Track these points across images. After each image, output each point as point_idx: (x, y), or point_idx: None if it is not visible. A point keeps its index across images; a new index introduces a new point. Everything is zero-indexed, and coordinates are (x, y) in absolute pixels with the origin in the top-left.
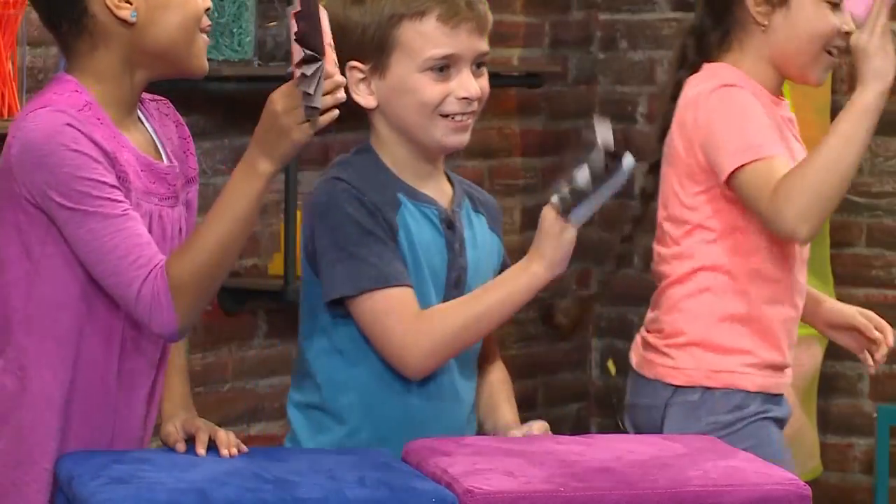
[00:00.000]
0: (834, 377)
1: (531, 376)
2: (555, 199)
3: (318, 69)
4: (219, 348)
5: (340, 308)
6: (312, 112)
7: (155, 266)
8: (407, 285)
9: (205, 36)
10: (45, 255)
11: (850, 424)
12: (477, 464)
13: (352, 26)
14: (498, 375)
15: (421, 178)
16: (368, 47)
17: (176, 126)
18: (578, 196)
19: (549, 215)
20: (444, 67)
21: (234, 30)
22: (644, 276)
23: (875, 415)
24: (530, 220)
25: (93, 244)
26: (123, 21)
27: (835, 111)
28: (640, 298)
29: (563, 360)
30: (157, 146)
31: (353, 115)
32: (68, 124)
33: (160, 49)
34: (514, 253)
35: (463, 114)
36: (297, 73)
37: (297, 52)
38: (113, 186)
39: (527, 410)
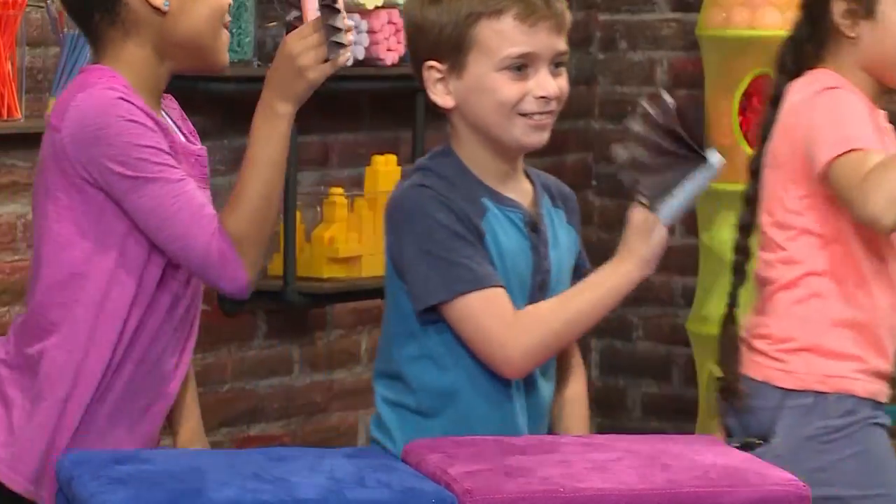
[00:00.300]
0: None
1: None
2: (642, 197)
3: (340, 6)
4: (218, 349)
5: (431, 314)
6: (337, 48)
7: (216, 226)
8: (501, 286)
9: (226, 31)
10: (100, 234)
11: None
12: (477, 464)
13: (429, 26)
14: (576, 392)
15: (502, 181)
16: (446, 47)
17: (182, 120)
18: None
19: (638, 213)
20: (521, 66)
21: (234, 30)
22: None
23: None
24: None
25: (156, 210)
26: (156, 9)
27: None
28: (639, 299)
29: None
30: (177, 135)
31: (351, 116)
32: (120, 97)
33: (188, 39)
34: None
35: (541, 113)
36: (323, 9)
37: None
38: (168, 153)
39: None
